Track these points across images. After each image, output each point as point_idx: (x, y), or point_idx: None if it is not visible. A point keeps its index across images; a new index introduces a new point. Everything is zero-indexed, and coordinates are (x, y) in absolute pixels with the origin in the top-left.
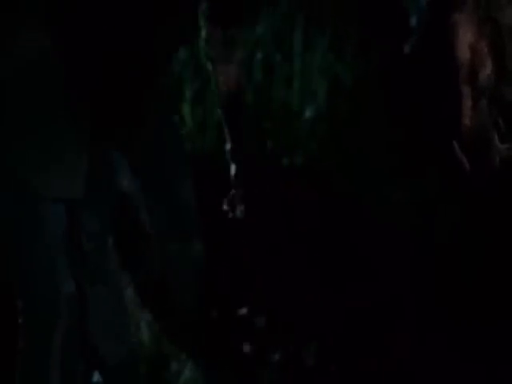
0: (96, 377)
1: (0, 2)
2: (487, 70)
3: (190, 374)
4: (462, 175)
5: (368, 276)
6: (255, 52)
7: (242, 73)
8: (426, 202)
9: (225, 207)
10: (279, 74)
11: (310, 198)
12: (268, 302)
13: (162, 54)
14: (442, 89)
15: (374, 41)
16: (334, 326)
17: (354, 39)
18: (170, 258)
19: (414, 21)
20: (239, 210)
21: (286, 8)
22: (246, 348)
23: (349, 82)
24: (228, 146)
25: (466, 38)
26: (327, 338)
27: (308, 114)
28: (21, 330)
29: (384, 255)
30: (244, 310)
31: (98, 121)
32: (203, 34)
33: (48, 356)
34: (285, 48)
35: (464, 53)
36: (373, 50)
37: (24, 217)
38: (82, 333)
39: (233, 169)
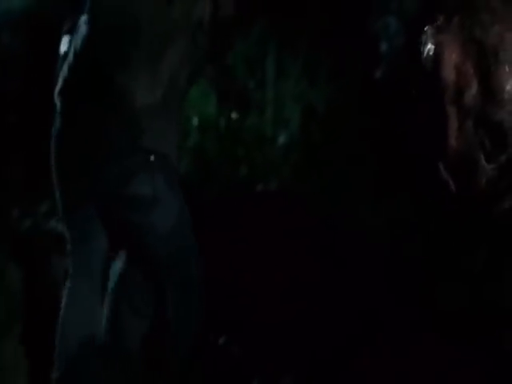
0: None
1: None
2: (473, 91)
3: None
4: (447, 197)
5: (345, 302)
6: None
7: None
8: (402, 224)
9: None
10: (252, 101)
11: (285, 223)
12: (245, 330)
13: None
14: (426, 110)
15: (345, 67)
16: (312, 356)
17: (326, 65)
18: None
19: (384, 46)
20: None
21: (259, 36)
22: (224, 378)
23: (322, 108)
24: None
25: (451, 58)
26: (305, 368)
27: (281, 140)
28: None
29: (360, 278)
30: (221, 340)
31: None
32: None
33: None
34: (258, 75)
35: (449, 74)
36: (345, 76)
37: None
38: None
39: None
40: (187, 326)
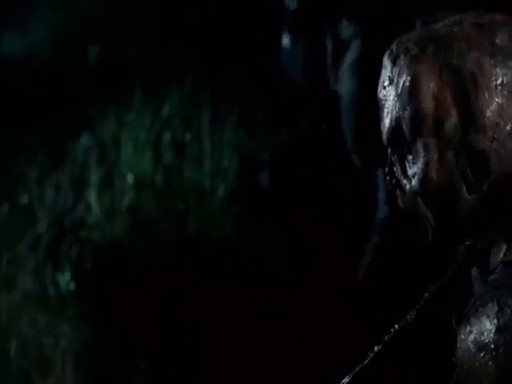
0: None
1: None
2: (453, 120)
3: None
4: (425, 231)
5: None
6: (163, 133)
7: None
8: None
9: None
10: (189, 154)
11: (228, 276)
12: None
13: None
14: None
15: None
16: None
17: (263, 112)
18: None
19: None
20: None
21: (192, 87)
22: None
23: (263, 157)
24: None
25: (429, 88)
26: None
27: (220, 191)
28: None
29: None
30: None
31: None
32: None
33: None
34: (193, 127)
35: (428, 104)
36: (283, 122)
37: None
38: None
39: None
40: None
